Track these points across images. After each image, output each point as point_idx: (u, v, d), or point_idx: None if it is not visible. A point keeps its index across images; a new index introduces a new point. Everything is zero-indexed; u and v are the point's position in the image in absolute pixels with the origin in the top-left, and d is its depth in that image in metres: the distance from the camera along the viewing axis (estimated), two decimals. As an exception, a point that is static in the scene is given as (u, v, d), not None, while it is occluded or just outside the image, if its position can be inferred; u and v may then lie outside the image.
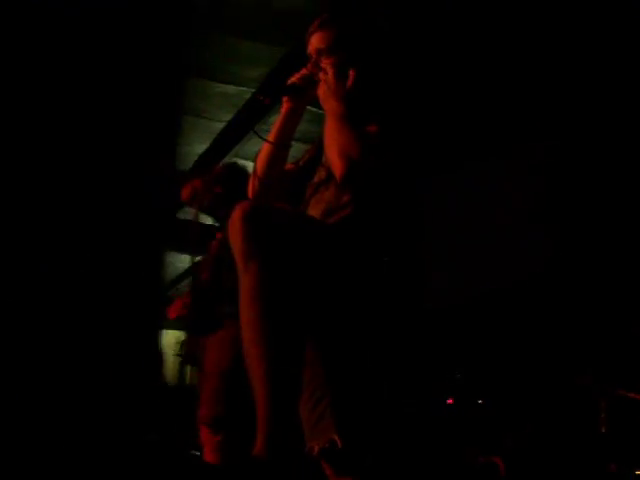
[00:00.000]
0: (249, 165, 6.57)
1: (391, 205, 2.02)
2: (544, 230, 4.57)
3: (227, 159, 6.16)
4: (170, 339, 11.76)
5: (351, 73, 2.08)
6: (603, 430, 3.46)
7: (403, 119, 2.09)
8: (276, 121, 2.23)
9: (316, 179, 2.16)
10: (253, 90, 5.22)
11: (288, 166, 2.32)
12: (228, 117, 5.70)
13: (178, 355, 4.42)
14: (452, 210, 5.16)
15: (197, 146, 6.26)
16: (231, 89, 5.24)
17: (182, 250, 8.71)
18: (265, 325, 1.66)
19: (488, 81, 4.72)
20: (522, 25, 4.17)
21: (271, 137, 2.20)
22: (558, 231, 4.50)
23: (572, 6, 3.91)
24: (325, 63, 2.12)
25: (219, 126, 5.87)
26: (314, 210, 2.07)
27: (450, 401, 4.42)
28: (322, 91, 2.07)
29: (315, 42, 2.16)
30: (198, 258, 4.24)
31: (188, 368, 11.82)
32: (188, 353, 4.17)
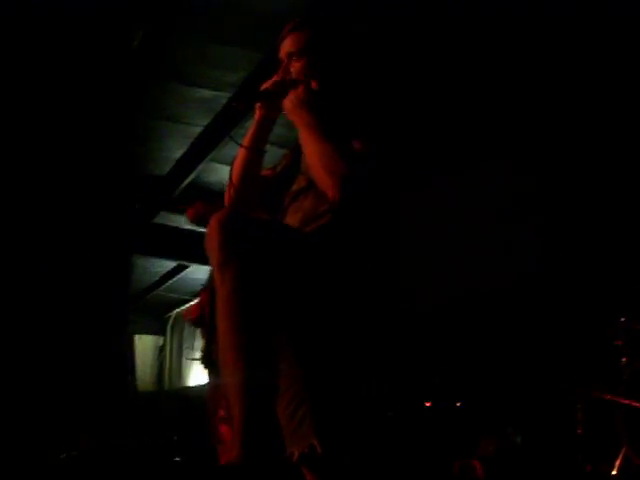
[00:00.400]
0: (225, 169, 6.55)
1: (371, 212, 2.02)
2: (525, 232, 4.60)
3: (204, 164, 6.16)
4: (147, 344, 11.74)
5: (313, 83, 2.08)
6: (579, 431, 3.49)
7: (385, 126, 2.09)
8: (250, 127, 2.22)
9: (295, 187, 2.15)
10: (230, 95, 5.21)
11: (265, 172, 2.31)
12: (205, 122, 5.69)
13: (197, 359, 4.49)
14: (432, 211, 5.19)
15: (174, 151, 6.24)
16: (208, 94, 5.23)
17: (158, 255, 8.67)
18: (241, 334, 1.67)
19: (463, 89, 4.76)
20: (494, 37, 4.20)
21: (245, 143, 2.20)
22: (539, 233, 4.53)
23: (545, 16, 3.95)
24: (295, 67, 2.12)
25: (196, 130, 5.85)
26: (292, 218, 2.07)
27: (428, 404, 4.44)
28: (289, 101, 2.05)
29: (286, 46, 2.16)
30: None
31: (166, 373, 11.76)
32: (205, 356, 4.24)
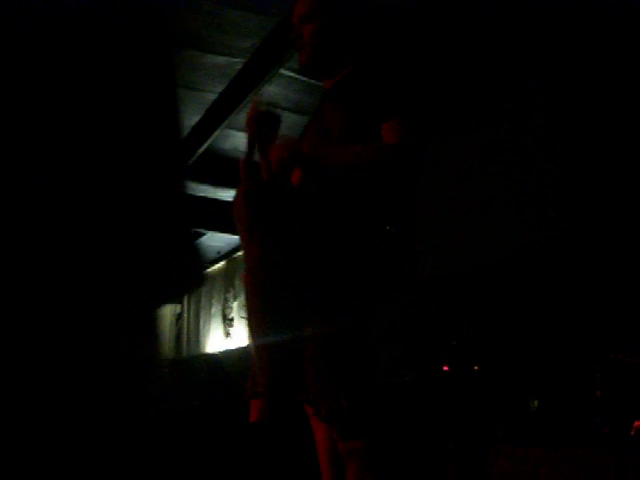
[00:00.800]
0: (243, 136, 6.54)
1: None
2: (544, 202, 4.58)
3: (219, 131, 6.15)
4: (165, 312, 11.83)
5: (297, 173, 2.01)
6: (598, 393, 3.50)
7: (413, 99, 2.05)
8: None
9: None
10: (244, 60, 5.19)
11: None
12: (220, 88, 5.67)
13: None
14: (450, 178, 5.17)
15: (189, 118, 6.23)
16: (222, 60, 5.21)
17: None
18: (266, 298, 1.71)
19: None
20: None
21: None
22: (560, 195, 4.50)
23: None
24: (306, 31, 2.10)
25: (211, 97, 5.84)
26: None
27: (445, 368, 4.46)
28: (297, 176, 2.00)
29: (297, 9, 2.14)
30: None
31: (184, 341, 11.83)
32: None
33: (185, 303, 11.95)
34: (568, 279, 4.18)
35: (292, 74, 5.02)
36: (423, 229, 4.76)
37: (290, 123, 6.35)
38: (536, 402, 3.99)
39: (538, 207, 4.56)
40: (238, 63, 5.24)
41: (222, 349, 9.78)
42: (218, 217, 7.42)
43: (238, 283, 9.97)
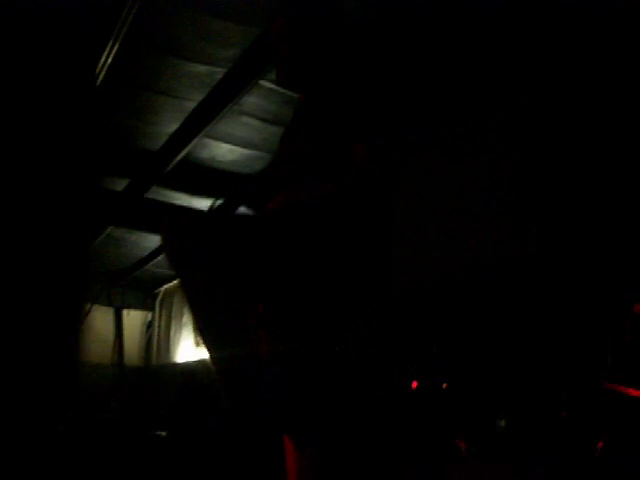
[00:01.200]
0: (220, 146, 6.51)
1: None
2: (521, 217, 4.61)
3: (198, 139, 6.14)
4: (136, 319, 11.73)
5: None
6: (564, 415, 3.53)
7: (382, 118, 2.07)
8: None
9: None
10: (225, 70, 5.19)
11: None
12: (199, 96, 5.67)
13: None
14: (425, 190, 5.19)
15: (167, 125, 6.21)
16: (203, 69, 5.20)
17: (148, 230, 8.65)
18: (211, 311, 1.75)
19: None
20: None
21: None
22: (539, 214, 4.53)
23: None
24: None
25: (190, 105, 5.82)
26: None
27: (414, 385, 4.47)
28: None
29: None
30: None
31: (154, 349, 11.70)
32: None
33: (156, 311, 11.87)
34: (539, 297, 4.21)
35: (272, 86, 5.03)
36: (398, 243, 4.77)
37: (267, 135, 6.38)
38: (503, 421, 4.01)
39: (513, 223, 4.59)
40: (219, 72, 5.24)
41: (194, 358, 9.73)
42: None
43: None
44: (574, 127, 4.31)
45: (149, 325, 12.03)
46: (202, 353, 9.69)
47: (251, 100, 5.46)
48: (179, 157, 6.48)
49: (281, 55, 2.14)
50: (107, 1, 4.43)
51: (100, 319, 9.96)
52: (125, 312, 10.54)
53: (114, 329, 10.08)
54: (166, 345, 11.22)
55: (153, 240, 9.28)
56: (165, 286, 11.57)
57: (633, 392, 3.21)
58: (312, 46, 2.14)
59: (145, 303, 12.01)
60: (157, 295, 11.95)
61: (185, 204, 7.65)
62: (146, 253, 9.90)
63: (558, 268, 4.18)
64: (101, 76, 5.15)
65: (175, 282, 10.59)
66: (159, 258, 9.93)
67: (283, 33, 2.12)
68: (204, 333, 1.80)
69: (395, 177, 2.00)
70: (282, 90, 4.98)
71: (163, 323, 11.57)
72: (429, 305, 4.87)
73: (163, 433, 5.69)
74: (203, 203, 7.59)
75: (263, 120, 5.78)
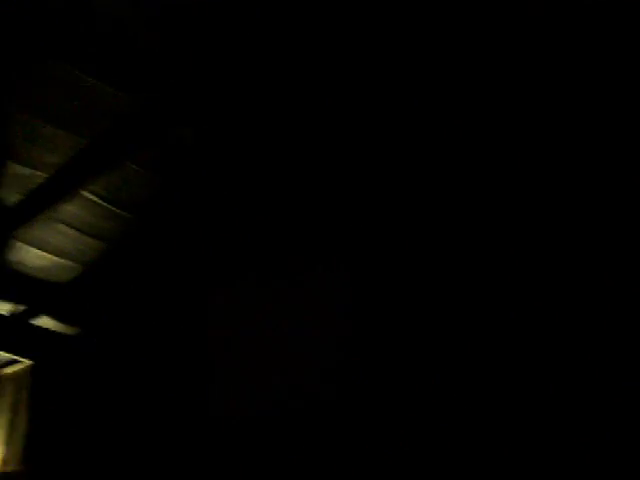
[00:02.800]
0: (31, 250, 6.30)
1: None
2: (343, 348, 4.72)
3: (8, 241, 5.93)
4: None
5: None
6: None
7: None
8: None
9: None
10: (47, 175, 5.13)
11: None
12: (16, 198, 5.53)
13: None
14: (242, 318, 5.23)
15: (-24, 223, 5.97)
16: (26, 171, 5.12)
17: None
18: None
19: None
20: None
21: None
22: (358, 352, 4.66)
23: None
24: None
25: (6, 205, 5.66)
26: None
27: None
28: None
29: None
30: None
31: None
32: None
33: None
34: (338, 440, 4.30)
35: (93, 197, 5.02)
36: (215, 370, 4.75)
37: (81, 245, 6.28)
38: None
39: (319, 365, 4.69)
40: (40, 177, 5.17)
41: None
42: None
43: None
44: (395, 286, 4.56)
45: None
46: None
47: (70, 209, 5.39)
48: (-16, 256, 6.21)
49: None
50: None
51: None
52: None
53: None
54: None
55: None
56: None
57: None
58: None
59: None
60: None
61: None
62: None
63: (358, 414, 4.31)
64: None
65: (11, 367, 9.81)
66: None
67: None
68: None
69: (206, 309, 2.07)
70: (103, 203, 4.98)
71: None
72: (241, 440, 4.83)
73: None
74: (4, 307, 7.22)
75: (79, 230, 5.70)
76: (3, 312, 7.23)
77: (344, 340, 4.69)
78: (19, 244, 6.10)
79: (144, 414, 1.75)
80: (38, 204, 5.40)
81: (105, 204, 4.84)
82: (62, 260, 6.38)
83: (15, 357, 9.54)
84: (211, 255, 2.01)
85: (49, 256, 6.33)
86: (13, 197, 5.53)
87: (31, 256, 6.38)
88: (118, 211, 2.12)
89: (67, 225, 5.75)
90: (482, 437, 3.46)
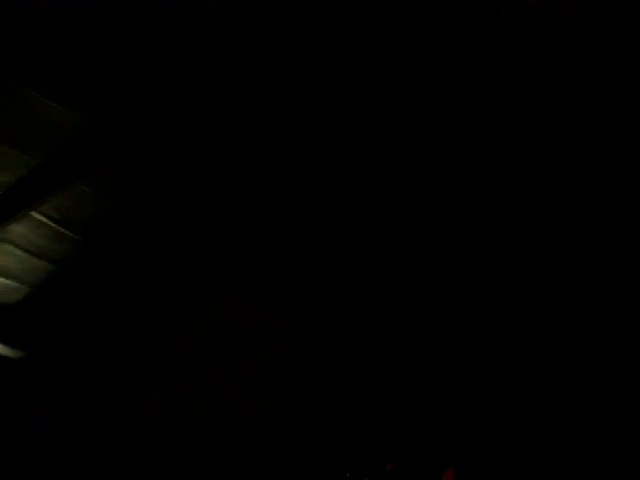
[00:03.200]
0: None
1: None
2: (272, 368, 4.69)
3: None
4: None
5: None
6: None
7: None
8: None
9: None
10: (-4, 195, 5.04)
11: None
12: (-37, 217, 5.41)
13: None
14: (183, 337, 5.17)
15: None
16: (-27, 189, 5.02)
17: None
18: None
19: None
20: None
21: None
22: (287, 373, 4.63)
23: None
24: None
25: (-50, 225, 5.53)
26: None
27: None
28: None
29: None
30: None
31: None
32: None
33: None
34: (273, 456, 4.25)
35: (43, 218, 4.93)
36: (155, 377, 4.68)
37: (29, 267, 6.15)
38: None
39: (256, 382, 4.66)
40: (-12, 196, 5.07)
41: None
42: None
43: None
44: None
45: None
46: None
47: (18, 229, 5.29)
48: None
49: None
50: None
51: None
52: None
53: None
54: None
55: None
56: None
57: None
58: None
59: None
60: None
61: None
62: None
63: (290, 431, 4.28)
64: None
65: None
66: None
67: None
68: None
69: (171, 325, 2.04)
70: (52, 224, 4.90)
71: None
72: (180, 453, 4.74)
73: None
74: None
75: (27, 251, 5.59)
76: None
77: (279, 355, 4.66)
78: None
79: (84, 416, 1.73)
80: (-15, 223, 5.29)
81: (55, 225, 4.76)
82: (8, 281, 6.24)
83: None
84: (157, 274, 2.00)
85: (-5, 277, 6.19)
86: (-41, 216, 5.42)
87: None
88: (68, 233, 2.08)
89: (15, 246, 5.63)
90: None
